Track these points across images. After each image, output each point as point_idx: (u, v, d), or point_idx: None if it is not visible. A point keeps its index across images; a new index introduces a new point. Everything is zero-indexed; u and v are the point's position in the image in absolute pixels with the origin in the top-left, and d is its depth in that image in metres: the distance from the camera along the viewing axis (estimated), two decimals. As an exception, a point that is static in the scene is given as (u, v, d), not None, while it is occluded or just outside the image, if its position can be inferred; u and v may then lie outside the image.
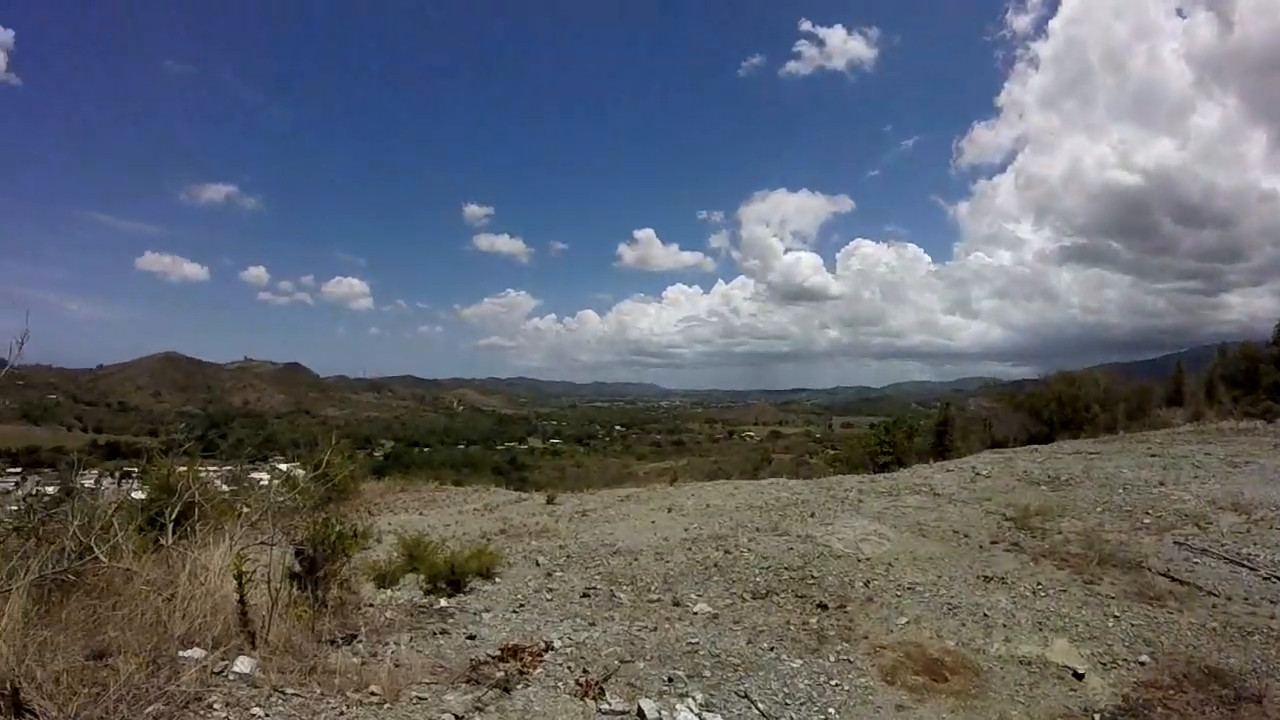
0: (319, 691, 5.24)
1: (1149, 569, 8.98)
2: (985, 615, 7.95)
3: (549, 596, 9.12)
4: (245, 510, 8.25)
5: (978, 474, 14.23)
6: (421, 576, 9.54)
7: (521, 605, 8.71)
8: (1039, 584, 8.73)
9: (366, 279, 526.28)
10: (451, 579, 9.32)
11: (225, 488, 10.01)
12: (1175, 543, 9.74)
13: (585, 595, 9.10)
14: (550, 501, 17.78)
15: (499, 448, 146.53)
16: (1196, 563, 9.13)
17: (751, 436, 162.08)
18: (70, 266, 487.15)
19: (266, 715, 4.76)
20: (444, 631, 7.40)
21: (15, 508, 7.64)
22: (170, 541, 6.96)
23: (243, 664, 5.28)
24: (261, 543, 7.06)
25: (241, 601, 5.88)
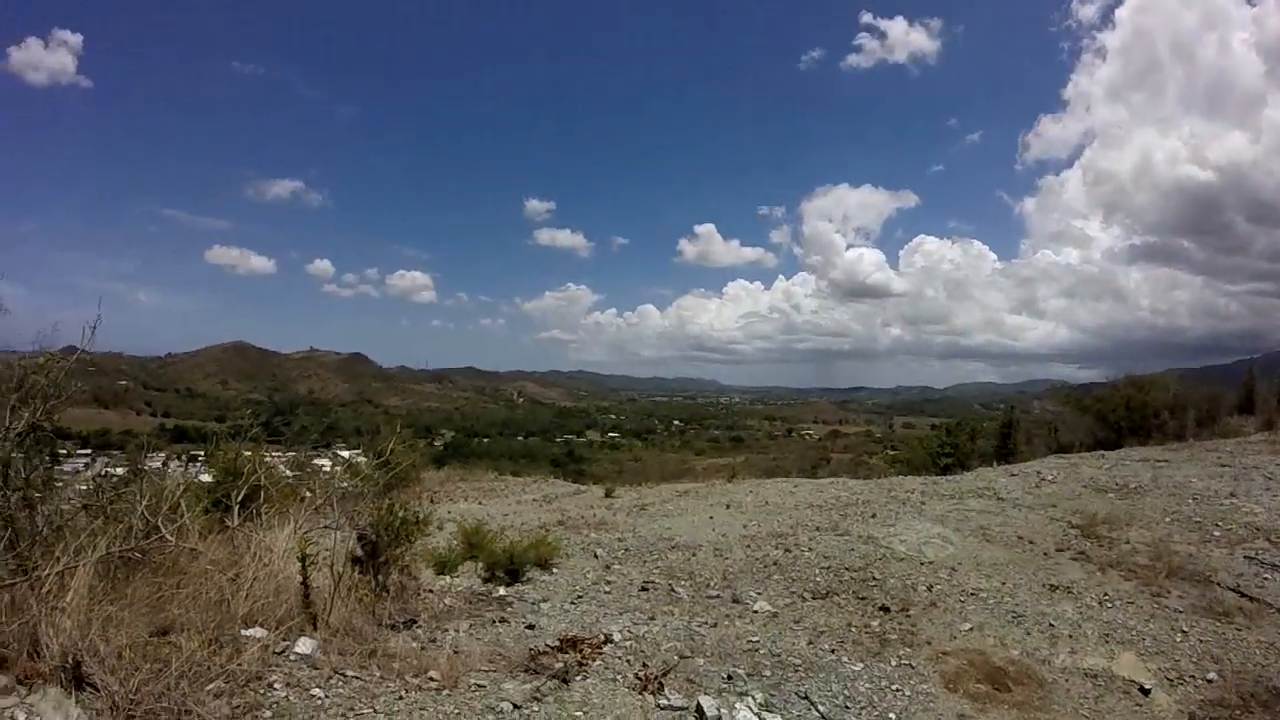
0: (378, 675, 5.25)
1: (1218, 583, 8.70)
2: (1051, 625, 7.76)
3: (607, 589, 9.09)
4: (309, 495, 8.32)
5: (1043, 479, 13.89)
6: (480, 565, 9.57)
7: (579, 597, 8.69)
8: (1106, 595, 8.51)
9: (429, 272, 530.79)
10: (510, 568, 9.33)
11: (289, 473, 10.12)
12: (1245, 557, 9.39)
13: (644, 589, 9.06)
14: (609, 495, 17.80)
15: (557, 440, 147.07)
16: (1267, 578, 8.80)
17: (810, 435, 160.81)
18: (141, 259, 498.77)
19: (326, 696, 4.77)
20: (503, 620, 7.40)
21: (84, 487, 7.76)
22: (236, 523, 7.03)
23: (304, 645, 5.30)
24: (325, 526, 7.11)
25: (304, 583, 5.92)
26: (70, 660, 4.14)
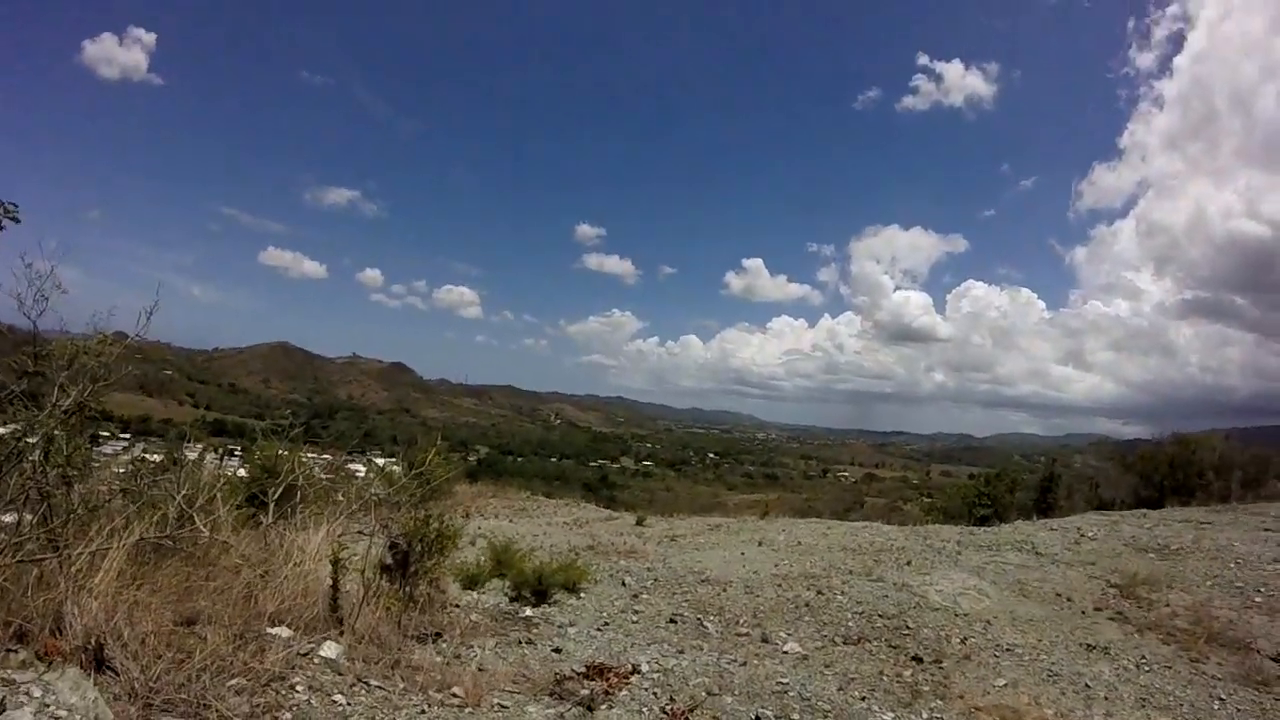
0: (402, 686, 5.17)
1: (1258, 651, 8.43)
2: (1087, 686, 7.54)
3: (634, 618, 8.98)
4: (342, 499, 8.30)
5: (1083, 535, 13.60)
6: (508, 583, 9.49)
7: (606, 624, 8.60)
8: (1143, 657, 8.28)
9: (477, 289, 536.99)
10: (537, 589, 9.25)
11: (323, 476, 10.13)
12: (1288, 625, 9.12)
13: (672, 621, 8.93)
14: (640, 523, 17.72)
15: (591, 464, 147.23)
16: (1308, 648, 8.53)
17: (846, 476, 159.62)
18: (197, 254, 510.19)
19: (349, 704, 4.69)
20: (529, 641, 7.31)
21: (121, 470, 7.80)
22: (270, 520, 7.01)
23: (329, 649, 5.24)
24: (359, 532, 7.07)
25: (334, 587, 5.86)
26: (93, 642, 4.10)
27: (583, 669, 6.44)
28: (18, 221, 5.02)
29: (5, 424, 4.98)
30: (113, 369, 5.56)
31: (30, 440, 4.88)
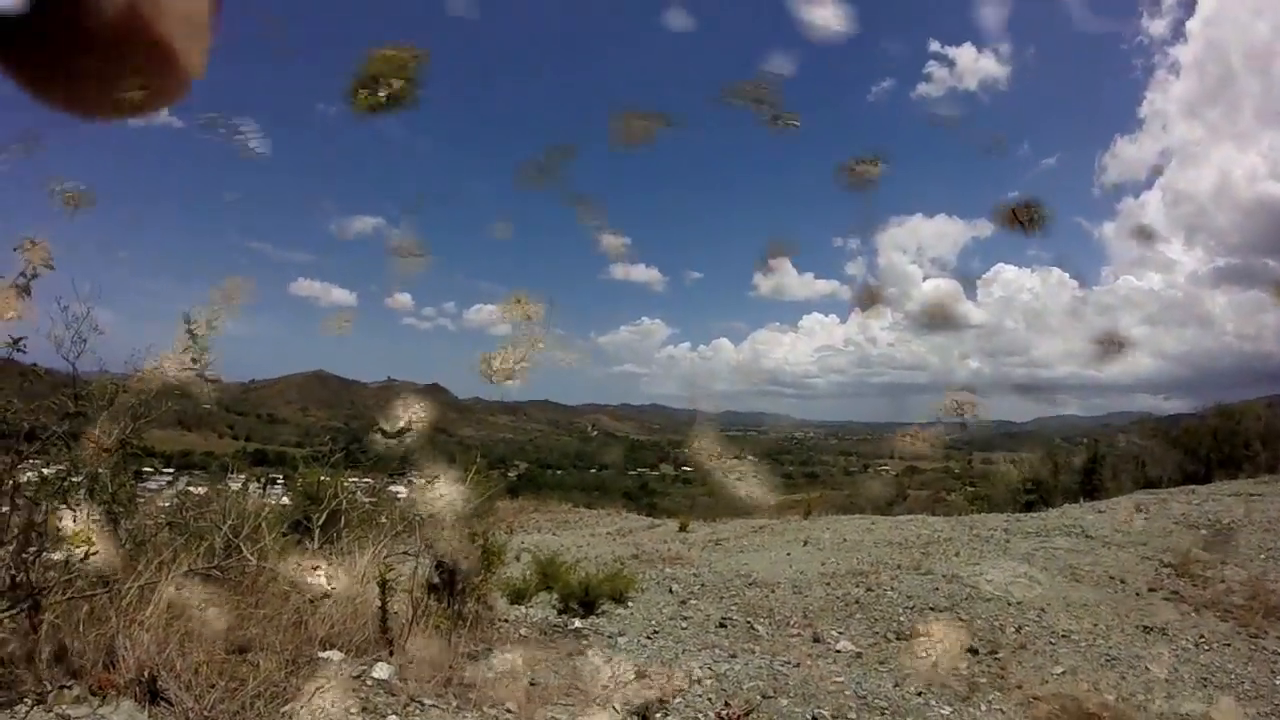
0: (455, 704, 5.15)
1: (1316, 623, 8.28)
2: (1146, 668, 7.42)
3: (684, 625, 8.93)
4: (386, 521, 8.31)
5: (1132, 516, 13.39)
6: (554, 596, 9.46)
7: (656, 631, 8.54)
8: (1201, 636, 8.15)
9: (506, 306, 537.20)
10: (585, 600, 9.21)
11: (366, 500, 10.16)
12: (1346, 595, 8.94)
13: (722, 625, 8.87)
14: (683, 529, 17.61)
15: (630, 473, 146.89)
16: (1366, 618, 8.36)
17: (887, 470, 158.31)
18: (228, 288, 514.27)
19: (403, 724, 4.67)
20: (580, 653, 7.27)
21: (166, 504, 7.86)
22: (316, 546, 7.03)
23: (381, 670, 5.24)
24: (404, 553, 7.08)
25: (383, 608, 5.86)
26: (146, 674, 4.11)
27: (635, 678, 6.41)
28: (52, 269, 5.06)
29: (49, 464, 5.02)
30: (152, 406, 5.60)
31: (75, 480, 4.92)
